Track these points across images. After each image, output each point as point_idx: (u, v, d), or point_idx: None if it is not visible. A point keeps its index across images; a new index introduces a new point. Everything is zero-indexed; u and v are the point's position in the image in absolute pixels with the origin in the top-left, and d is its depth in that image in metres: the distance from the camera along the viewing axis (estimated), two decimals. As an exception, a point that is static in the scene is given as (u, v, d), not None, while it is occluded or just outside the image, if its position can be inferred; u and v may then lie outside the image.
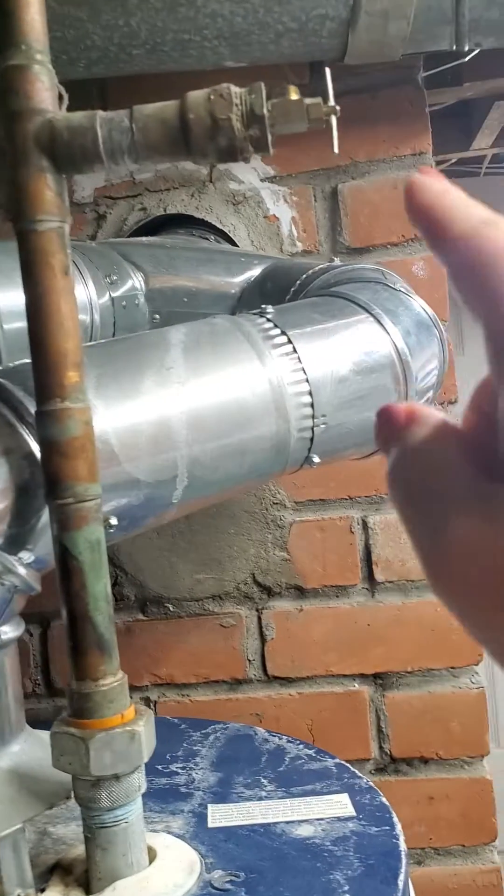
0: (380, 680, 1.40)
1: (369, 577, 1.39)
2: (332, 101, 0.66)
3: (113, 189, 1.43)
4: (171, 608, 1.44)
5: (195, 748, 1.02)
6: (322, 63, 1.10)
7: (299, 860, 0.75)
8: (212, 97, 0.65)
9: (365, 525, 1.40)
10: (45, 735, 0.73)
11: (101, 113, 0.67)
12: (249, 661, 1.42)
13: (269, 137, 0.65)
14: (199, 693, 1.44)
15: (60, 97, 0.69)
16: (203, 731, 1.07)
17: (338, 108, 0.66)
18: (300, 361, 0.86)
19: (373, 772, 1.40)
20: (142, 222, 1.40)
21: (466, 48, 1.17)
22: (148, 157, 0.67)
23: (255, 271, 1.19)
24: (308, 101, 0.66)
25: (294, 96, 0.66)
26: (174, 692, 1.45)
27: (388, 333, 0.92)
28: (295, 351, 0.86)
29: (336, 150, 0.66)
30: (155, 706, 1.45)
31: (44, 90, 0.66)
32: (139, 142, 0.66)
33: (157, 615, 1.45)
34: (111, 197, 1.43)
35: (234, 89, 0.66)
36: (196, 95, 0.66)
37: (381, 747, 1.41)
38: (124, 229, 1.41)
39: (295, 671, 1.41)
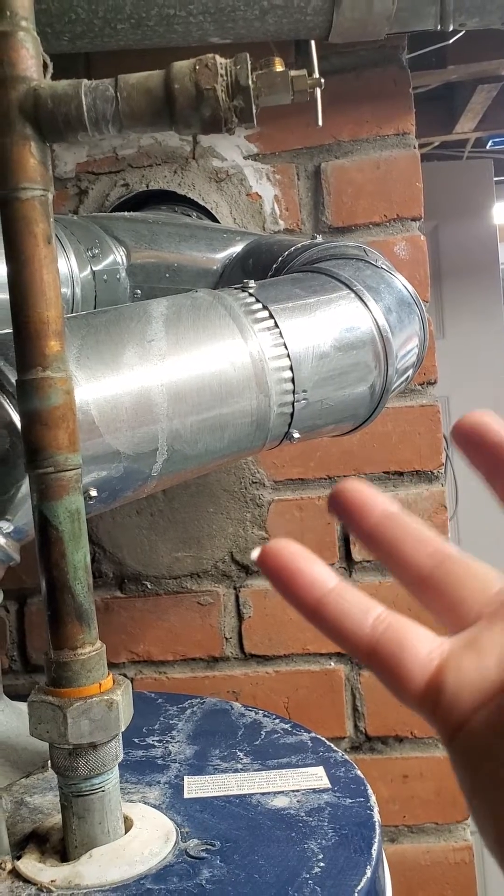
0: (356, 658, 1.41)
1: (347, 556, 1.40)
2: (316, 74, 0.66)
3: (95, 164, 1.42)
4: (149, 586, 1.44)
5: (172, 722, 1.03)
6: (307, 42, 1.10)
7: (274, 830, 0.76)
8: (197, 67, 0.65)
9: (343, 505, 1.40)
10: (22, 706, 0.73)
11: (85, 81, 0.67)
12: (227, 639, 1.43)
13: (254, 109, 0.66)
14: (176, 671, 1.45)
15: (45, 66, 0.68)
16: (180, 706, 1.07)
17: (322, 80, 0.66)
18: (281, 336, 0.86)
19: (348, 750, 1.41)
20: (124, 198, 1.39)
21: (451, 28, 1.17)
22: (132, 127, 0.67)
23: (238, 248, 1.18)
24: (293, 73, 0.66)
25: (279, 68, 0.66)
26: (151, 669, 1.45)
27: (370, 310, 0.92)
28: (276, 326, 0.87)
29: (320, 122, 0.67)
30: (132, 683, 1.45)
31: (28, 58, 0.66)
32: (123, 111, 0.66)
33: (134, 593, 1.45)
34: (93, 172, 1.42)
35: (220, 60, 0.66)
36: (181, 65, 0.66)
37: (356, 726, 1.42)
38: (106, 205, 1.40)
39: (272, 649, 1.42)
